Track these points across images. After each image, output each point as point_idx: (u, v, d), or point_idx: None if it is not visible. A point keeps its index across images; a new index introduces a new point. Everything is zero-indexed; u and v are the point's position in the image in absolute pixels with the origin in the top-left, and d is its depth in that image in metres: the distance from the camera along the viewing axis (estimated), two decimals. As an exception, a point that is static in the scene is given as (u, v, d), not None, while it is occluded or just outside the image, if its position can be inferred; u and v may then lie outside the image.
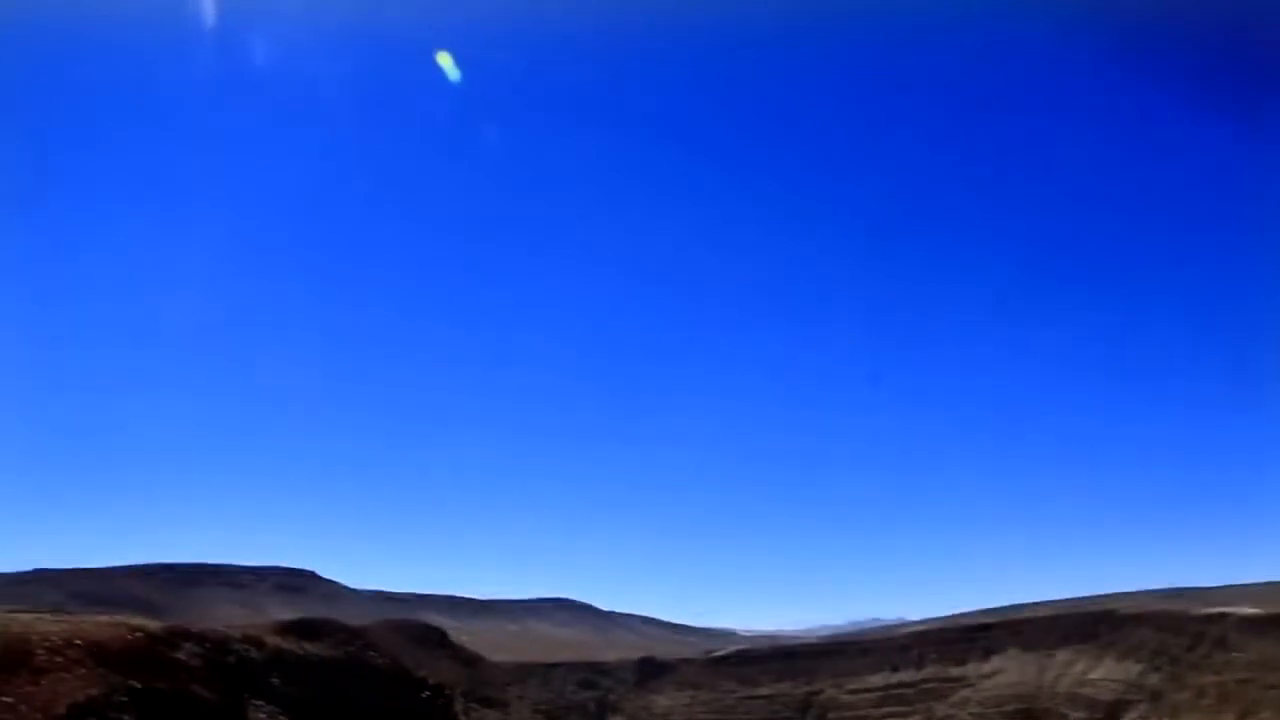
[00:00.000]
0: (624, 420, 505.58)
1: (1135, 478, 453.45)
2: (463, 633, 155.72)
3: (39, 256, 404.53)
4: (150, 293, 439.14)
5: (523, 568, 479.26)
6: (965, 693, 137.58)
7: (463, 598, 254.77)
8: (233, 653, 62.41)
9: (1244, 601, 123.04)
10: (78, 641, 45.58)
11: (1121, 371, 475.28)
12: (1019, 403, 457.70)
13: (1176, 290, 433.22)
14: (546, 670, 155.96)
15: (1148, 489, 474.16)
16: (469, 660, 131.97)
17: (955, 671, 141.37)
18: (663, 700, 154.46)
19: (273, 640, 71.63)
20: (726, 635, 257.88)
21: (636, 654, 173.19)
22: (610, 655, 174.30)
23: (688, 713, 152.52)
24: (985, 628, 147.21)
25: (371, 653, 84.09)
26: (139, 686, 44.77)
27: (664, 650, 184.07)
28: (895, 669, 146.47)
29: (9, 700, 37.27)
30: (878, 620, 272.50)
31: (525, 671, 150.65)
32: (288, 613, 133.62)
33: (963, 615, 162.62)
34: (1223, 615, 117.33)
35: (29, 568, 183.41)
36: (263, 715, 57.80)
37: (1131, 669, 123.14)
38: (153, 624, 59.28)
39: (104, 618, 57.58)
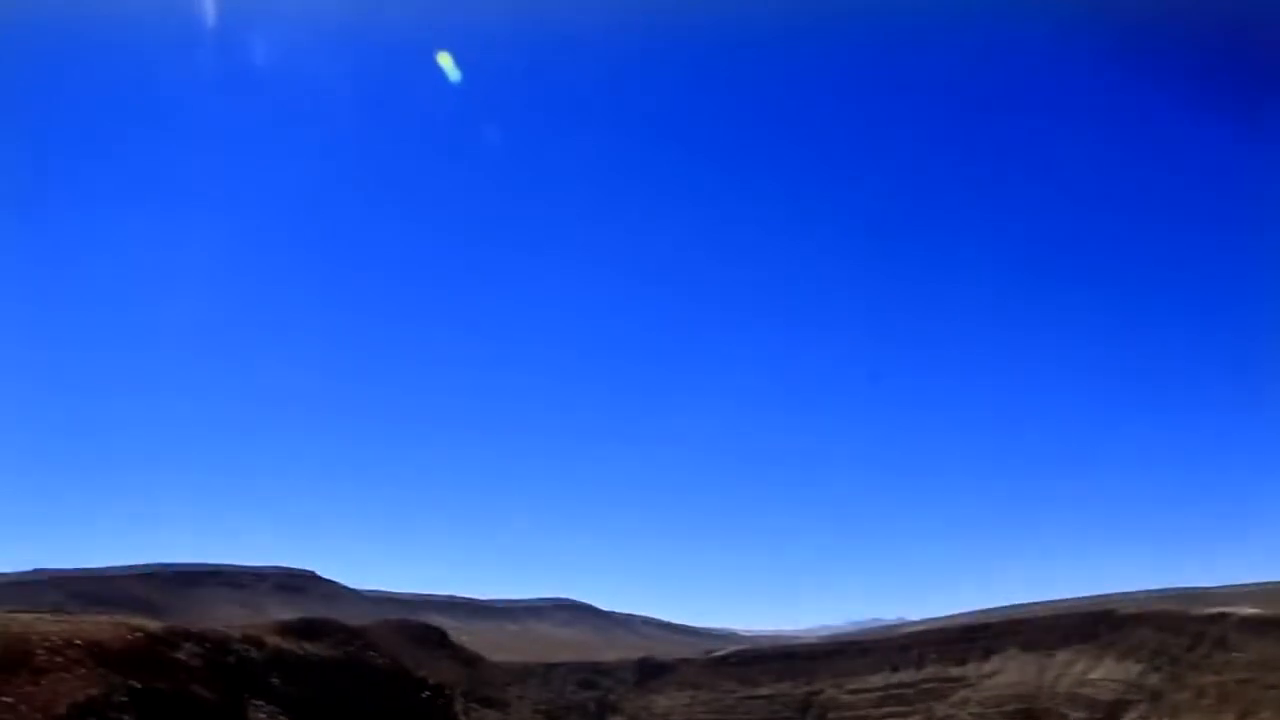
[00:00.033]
0: (624, 421, 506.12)
1: (1135, 478, 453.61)
2: (463, 633, 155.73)
3: (39, 257, 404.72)
4: (150, 293, 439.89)
5: (523, 568, 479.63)
6: (965, 693, 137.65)
7: (463, 598, 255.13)
8: (233, 653, 62.47)
9: (1244, 602, 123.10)
10: (78, 641, 45.61)
11: (1122, 371, 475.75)
12: (1019, 403, 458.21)
13: (1176, 290, 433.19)
14: (547, 670, 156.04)
15: (1148, 489, 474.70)
16: (469, 660, 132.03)
17: (955, 671, 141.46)
18: (663, 700, 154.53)
19: (273, 640, 71.70)
20: (726, 635, 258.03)
21: (637, 654, 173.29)
22: (610, 655, 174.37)
23: (688, 713, 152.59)
24: (985, 628, 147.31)
25: (371, 653, 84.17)
26: (139, 686, 44.81)
27: (664, 650, 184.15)
28: (895, 669, 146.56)
29: (9, 700, 37.30)
30: (878, 620, 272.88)
31: (525, 672, 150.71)
32: (288, 613, 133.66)
33: (962, 615, 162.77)
34: (1223, 615, 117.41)
35: (29, 568, 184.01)
36: (263, 715, 57.83)
37: (1131, 669, 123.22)
38: (153, 624, 59.33)
39: (104, 618, 57.64)
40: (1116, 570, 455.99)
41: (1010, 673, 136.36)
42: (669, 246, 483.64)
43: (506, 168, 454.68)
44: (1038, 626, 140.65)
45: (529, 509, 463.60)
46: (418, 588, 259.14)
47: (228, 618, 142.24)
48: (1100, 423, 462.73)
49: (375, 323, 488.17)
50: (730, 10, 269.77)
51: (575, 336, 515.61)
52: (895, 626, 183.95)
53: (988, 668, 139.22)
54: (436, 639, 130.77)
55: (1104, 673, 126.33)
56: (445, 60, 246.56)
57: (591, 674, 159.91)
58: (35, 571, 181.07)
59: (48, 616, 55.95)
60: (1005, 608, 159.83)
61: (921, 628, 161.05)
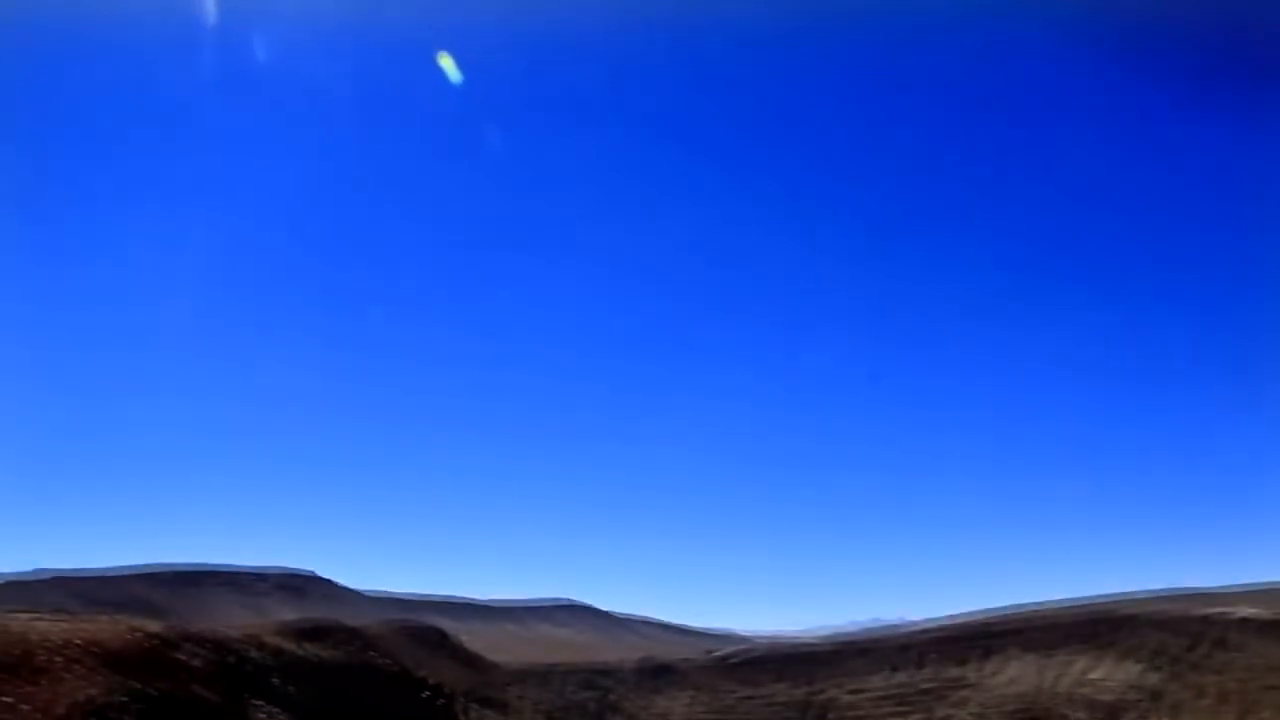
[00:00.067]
0: (625, 421, 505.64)
1: (1136, 478, 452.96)
2: (463, 633, 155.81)
3: (40, 257, 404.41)
4: (152, 293, 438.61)
5: (524, 569, 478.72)
6: (966, 693, 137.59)
7: (464, 599, 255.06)
8: (234, 654, 62.61)
9: (1245, 602, 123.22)
10: (78, 642, 45.72)
11: (1123, 371, 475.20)
12: (1020, 403, 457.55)
13: (1178, 290, 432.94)
14: (547, 671, 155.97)
15: (1149, 490, 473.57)
16: (470, 661, 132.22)
17: (956, 672, 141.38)
18: (663, 701, 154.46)
19: (274, 641, 71.88)
20: (727, 636, 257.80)
21: (638, 655, 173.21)
22: (611, 656, 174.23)
23: (688, 713, 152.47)
24: (986, 628, 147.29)
25: (373, 654, 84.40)
26: (140, 687, 44.90)
27: (665, 651, 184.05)
28: (896, 670, 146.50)
29: (9, 700, 37.36)
30: (879, 621, 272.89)
31: (526, 672, 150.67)
32: (290, 614, 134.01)
33: (964, 616, 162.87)
34: (1223, 616, 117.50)
35: (30, 568, 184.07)
36: (264, 716, 57.84)
37: (1132, 669, 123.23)
38: (154, 625, 59.46)
39: (105, 618, 57.78)
40: (1117, 571, 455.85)
41: (1011, 673, 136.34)
42: (669, 246, 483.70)
43: (507, 168, 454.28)
44: (1039, 627, 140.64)
45: (531, 510, 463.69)
46: (419, 588, 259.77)
47: (229, 618, 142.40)
48: (1101, 423, 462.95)
49: (376, 323, 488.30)
50: (730, 10, 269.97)
51: (576, 337, 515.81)
52: (896, 627, 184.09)
53: (989, 668, 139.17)
54: (437, 640, 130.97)
55: (1105, 673, 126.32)
56: (446, 62, 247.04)
57: (592, 674, 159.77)
58: (36, 571, 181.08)
59: (48, 616, 56.07)
60: (1006, 608, 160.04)
61: (922, 628, 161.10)
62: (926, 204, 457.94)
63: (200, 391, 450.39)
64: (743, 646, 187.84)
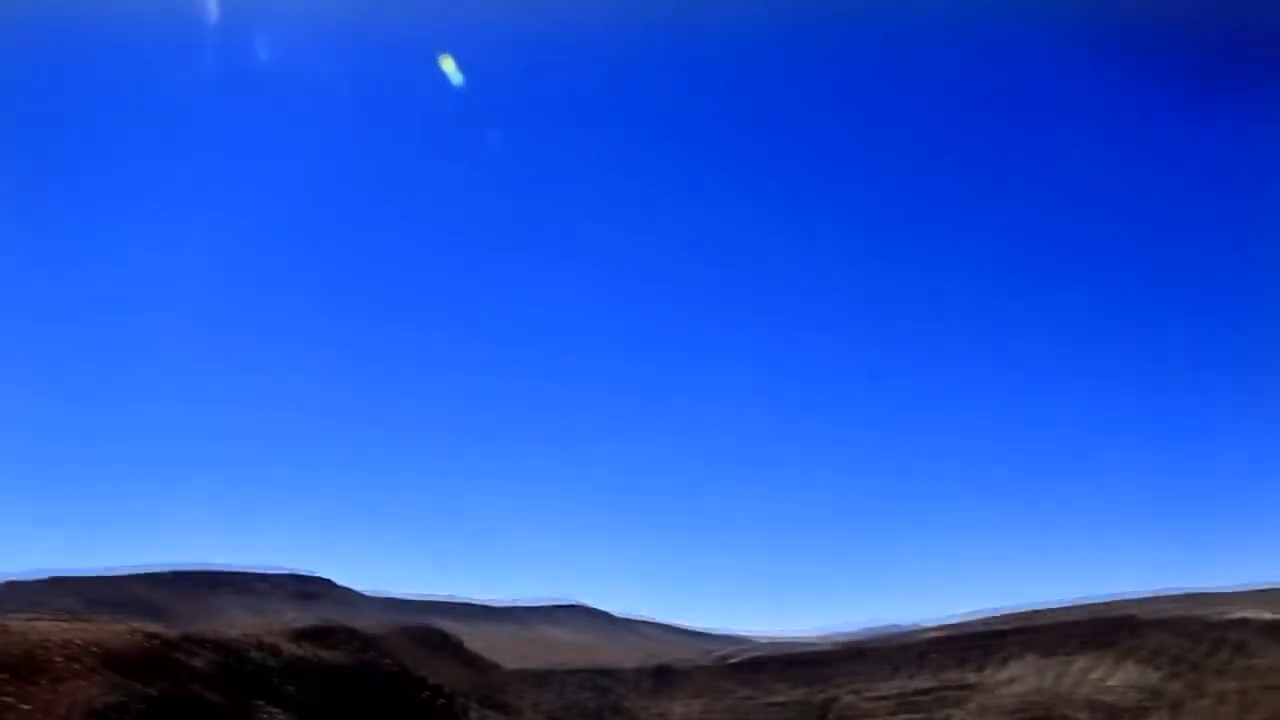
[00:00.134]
0: (627, 422, 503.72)
1: (1139, 479, 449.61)
2: (476, 639, 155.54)
3: (41, 258, 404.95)
4: (157, 295, 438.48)
5: (533, 573, 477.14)
6: (981, 699, 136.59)
7: (473, 603, 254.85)
8: (245, 659, 62.31)
9: (1259, 603, 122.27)
10: (93, 648, 45.46)
11: (1123, 372, 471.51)
12: (1026, 404, 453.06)
13: (1178, 290, 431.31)
14: (559, 676, 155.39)
15: (1152, 491, 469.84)
16: (480, 665, 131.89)
17: (971, 678, 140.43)
18: (675, 706, 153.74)
19: (285, 646, 71.53)
20: (739, 641, 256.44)
21: (650, 660, 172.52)
22: (624, 661, 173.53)
23: (691, 715, 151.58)
24: (1001, 633, 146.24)
25: (385, 659, 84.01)
26: (153, 693, 44.65)
27: (676, 656, 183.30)
28: (900, 672, 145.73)
29: (26, 707, 37.04)
30: (883, 623, 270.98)
31: (536, 677, 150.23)
32: (302, 619, 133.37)
33: (978, 620, 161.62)
34: (1243, 621, 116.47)
35: (43, 574, 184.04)
36: (266, 717, 57.57)
37: (1150, 675, 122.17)
38: (168, 631, 59.19)
39: (120, 625, 57.39)
40: (1121, 572, 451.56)
41: (1027, 679, 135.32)
42: (669, 246, 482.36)
43: (507, 167, 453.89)
44: (1055, 632, 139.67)
45: (539, 513, 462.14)
46: (428, 593, 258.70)
47: (233, 621, 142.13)
48: (1104, 423, 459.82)
49: (378, 325, 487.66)
50: (730, 10, 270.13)
51: (576, 337, 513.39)
52: (910, 632, 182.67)
53: (1004, 674, 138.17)
54: (440, 641, 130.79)
55: (1123, 679, 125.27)
56: (448, 64, 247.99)
57: (602, 680, 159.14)
58: (50, 577, 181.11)
59: (62, 623, 55.72)
60: (1022, 613, 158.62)
61: (937, 633, 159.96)
62: (926, 204, 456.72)
63: (203, 393, 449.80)
64: (745, 648, 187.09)
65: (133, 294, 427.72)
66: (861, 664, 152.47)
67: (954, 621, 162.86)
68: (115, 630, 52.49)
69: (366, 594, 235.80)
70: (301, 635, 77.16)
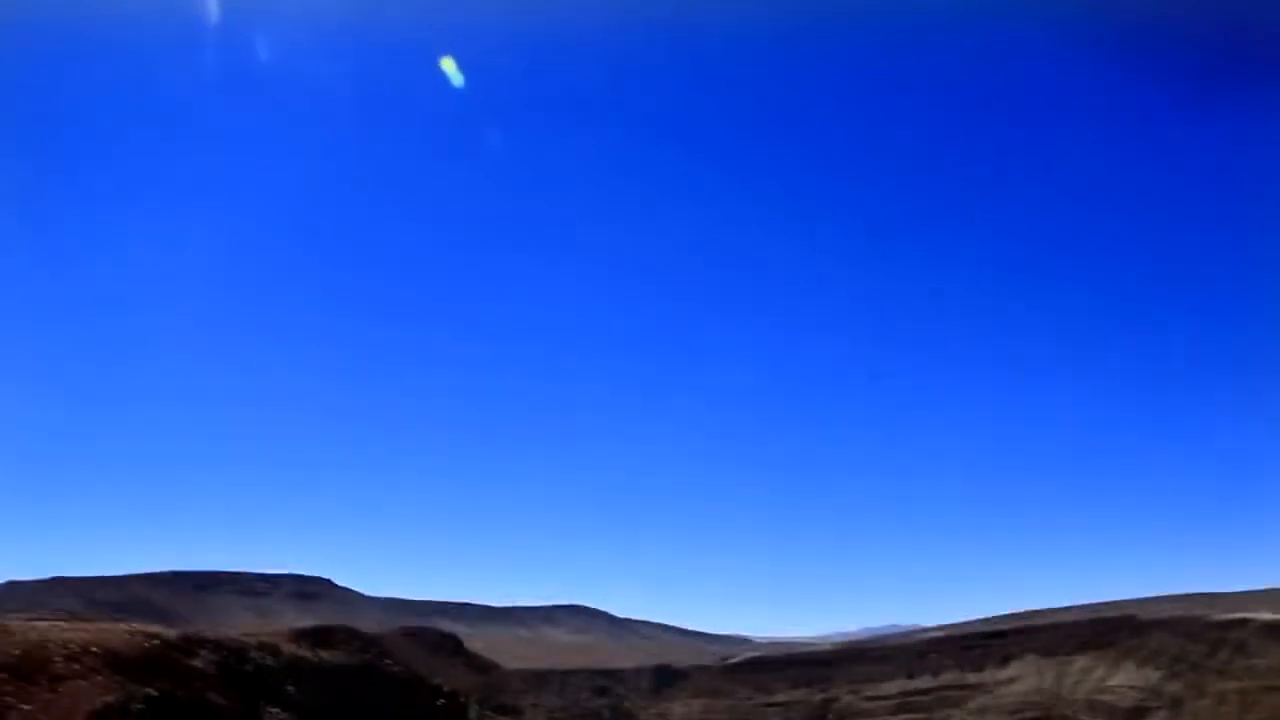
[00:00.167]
0: (631, 423, 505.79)
1: (1152, 482, 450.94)
2: (477, 640, 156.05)
3: (41, 258, 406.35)
4: (158, 295, 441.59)
5: (537, 574, 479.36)
6: (982, 699, 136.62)
7: (477, 604, 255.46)
8: (248, 660, 62.52)
9: (1260, 605, 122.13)
10: (95, 649, 45.67)
11: (1124, 372, 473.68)
12: (1027, 405, 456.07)
13: (1178, 290, 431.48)
14: (560, 677, 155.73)
15: (1164, 493, 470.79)
16: (483, 667, 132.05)
17: (972, 678, 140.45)
18: (677, 707, 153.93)
19: (288, 647, 71.71)
20: (740, 641, 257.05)
21: (651, 661, 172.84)
22: (624, 662, 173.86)
23: (699, 718, 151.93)
24: (1002, 634, 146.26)
25: (386, 660, 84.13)
26: (155, 694, 44.84)
27: (678, 657, 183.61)
28: (912, 676, 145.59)
29: (28, 708, 37.29)
30: (894, 626, 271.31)
31: (539, 678, 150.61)
32: (303, 620, 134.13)
33: (979, 621, 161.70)
34: (1243, 621, 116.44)
35: (46, 575, 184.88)
36: (275, 721, 57.81)
37: (1151, 675, 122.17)
38: (169, 632, 59.46)
39: (121, 625, 57.73)
40: (1134, 575, 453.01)
41: (1028, 679, 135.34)
42: (669, 246, 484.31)
43: (507, 168, 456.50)
44: (1056, 632, 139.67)
45: (542, 515, 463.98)
46: (432, 594, 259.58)
47: (240, 623, 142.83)
48: (1107, 425, 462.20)
49: (381, 326, 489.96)
50: (730, 10, 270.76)
51: (577, 337, 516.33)
52: (912, 633, 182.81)
53: (1005, 674, 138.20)
54: (450, 646, 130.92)
55: (1123, 679, 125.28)
56: (449, 65, 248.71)
57: (605, 681, 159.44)
58: (52, 579, 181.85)
59: (62, 622, 56.09)
60: (1022, 613, 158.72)
61: (938, 634, 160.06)
62: (926, 204, 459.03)
63: (203, 393, 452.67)
64: (753, 651, 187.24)
65: (133, 294, 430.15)
66: (861, 664, 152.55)
67: (962, 624, 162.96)
68: (115, 630, 52.78)
69: (367, 594, 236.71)
70: (309, 638, 77.34)
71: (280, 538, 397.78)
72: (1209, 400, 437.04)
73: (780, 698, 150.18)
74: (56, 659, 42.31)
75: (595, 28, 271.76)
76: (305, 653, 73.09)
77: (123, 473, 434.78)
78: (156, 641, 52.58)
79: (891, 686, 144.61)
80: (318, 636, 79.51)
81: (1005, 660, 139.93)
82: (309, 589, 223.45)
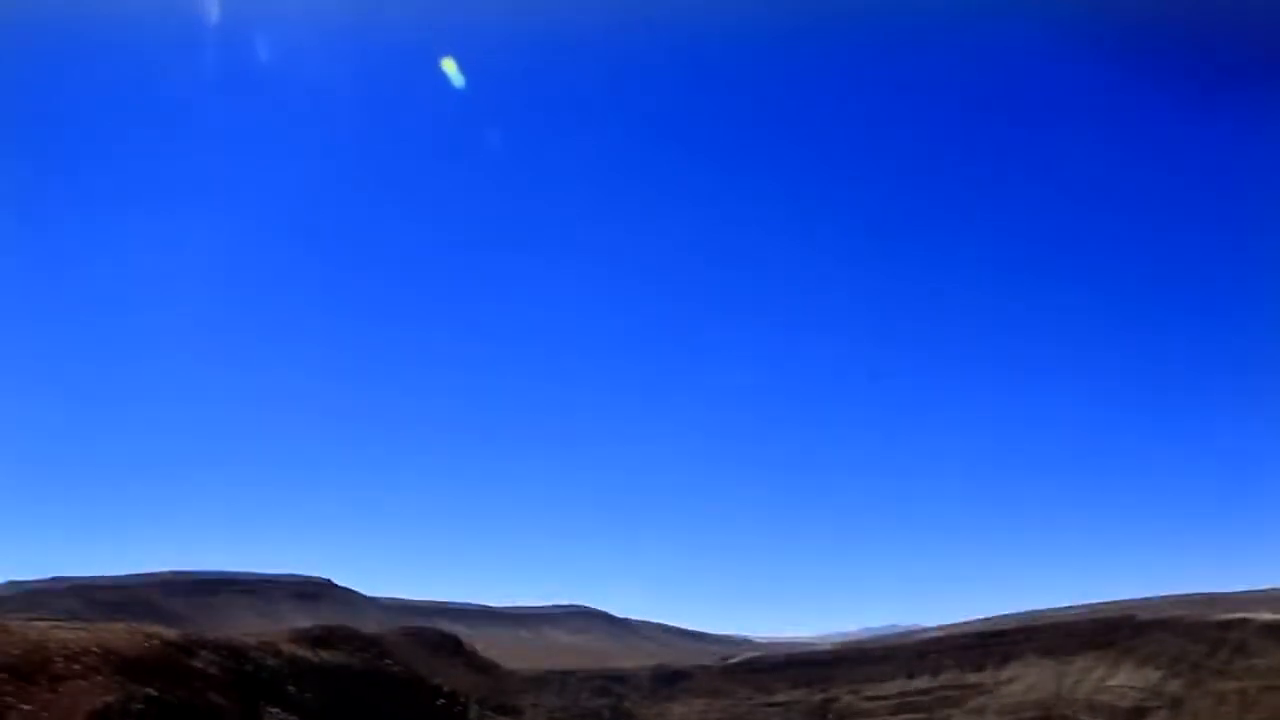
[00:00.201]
0: (633, 424, 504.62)
1: (1152, 482, 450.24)
2: (478, 641, 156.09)
3: (41, 258, 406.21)
4: (158, 295, 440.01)
5: (538, 575, 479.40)
6: (982, 700, 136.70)
7: (478, 606, 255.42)
8: (249, 661, 62.69)
9: (1261, 606, 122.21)
10: (95, 649, 45.81)
11: (1124, 372, 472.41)
12: (1027, 405, 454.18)
13: (1180, 290, 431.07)
14: (562, 678, 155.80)
15: (1164, 494, 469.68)
16: (484, 668, 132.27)
17: (972, 678, 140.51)
18: (677, 707, 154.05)
19: (289, 648, 71.92)
20: (740, 642, 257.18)
21: (650, 661, 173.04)
22: (626, 663, 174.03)
23: (701, 719, 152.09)
24: (1002, 634, 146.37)
25: (387, 661, 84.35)
26: (156, 694, 44.96)
27: (677, 657, 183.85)
28: (912, 676, 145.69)
29: (28, 707, 37.44)
30: (894, 627, 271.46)
31: (540, 679, 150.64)
32: (304, 621, 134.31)
33: (980, 621, 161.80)
34: (1243, 621, 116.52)
35: (47, 575, 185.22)
36: (278, 723, 57.94)
37: (1151, 675, 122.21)
38: (169, 632, 59.60)
39: (121, 626, 57.88)
40: (1134, 576, 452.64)
41: (1028, 679, 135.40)
42: (669, 246, 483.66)
43: (507, 168, 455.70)
44: (1056, 632, 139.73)
45: (544, 516, 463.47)
46: (433, 595, 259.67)
47: (244, 625, 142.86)
48: (1115, 426, 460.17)
49: (382, 326, 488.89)
50: (730, 10, 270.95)
51: (579, 338, 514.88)
52: (912, 633, 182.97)
53: (1005, 674, 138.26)
54: (452, 647, 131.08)
55: (1123, 679, 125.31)
56: (450, 66, 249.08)
57: (606, 681, 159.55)
58: (53, 579, 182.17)
59: (65, 624, 56.23)
60: (1022, 614, 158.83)
61: (938, 634, 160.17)
62: (926, 204, 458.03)
63: (204, 394, 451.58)
64: (756, 652, 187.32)
65: (133, 294, 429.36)
66: (861, 665, 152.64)
67: (964, 625, 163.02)
68: (115, 630, 52.96)
69: (368, 595, 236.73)
70: (312, 640, 77.56)
71: (281, 538, 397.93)
72: (1209, 400, 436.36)
73: (780, 698, 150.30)
74: (56, 659, 42.46)
75: (595, 28, 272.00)
76: (306, 653, 73.30)
77: (123, 473, 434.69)
78: (157, 642, 52.75)
79: (891, 687, 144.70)
80: (318, 637, 79.75)
81: (1005, 660, 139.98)
82: (311, 590, 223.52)
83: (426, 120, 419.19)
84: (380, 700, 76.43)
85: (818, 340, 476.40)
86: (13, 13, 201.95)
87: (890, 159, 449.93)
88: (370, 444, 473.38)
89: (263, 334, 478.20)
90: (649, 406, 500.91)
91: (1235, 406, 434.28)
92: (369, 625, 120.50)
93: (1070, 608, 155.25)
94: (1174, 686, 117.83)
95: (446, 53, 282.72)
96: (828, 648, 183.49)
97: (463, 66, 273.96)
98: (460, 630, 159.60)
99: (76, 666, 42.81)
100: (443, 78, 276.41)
